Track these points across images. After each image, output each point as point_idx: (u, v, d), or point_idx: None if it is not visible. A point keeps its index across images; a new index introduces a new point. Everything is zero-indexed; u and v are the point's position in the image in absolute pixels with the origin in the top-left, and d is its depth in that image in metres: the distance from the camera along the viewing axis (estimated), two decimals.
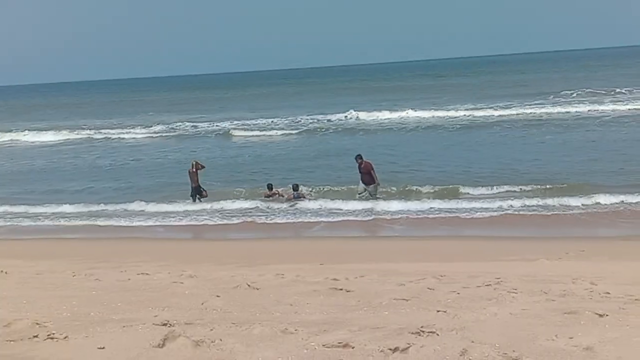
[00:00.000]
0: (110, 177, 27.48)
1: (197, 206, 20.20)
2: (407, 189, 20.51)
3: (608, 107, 40.05)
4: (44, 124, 54.41)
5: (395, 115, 43.71)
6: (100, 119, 58.78)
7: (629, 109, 38.58)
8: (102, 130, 46.50)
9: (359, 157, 20.13)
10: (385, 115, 43.95)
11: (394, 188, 20.47)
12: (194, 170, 20.58)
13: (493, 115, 40.68)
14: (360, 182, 19.90)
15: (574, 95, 49.83)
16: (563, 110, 40.73)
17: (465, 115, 41.81)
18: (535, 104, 45.42)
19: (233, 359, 5.10)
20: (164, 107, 72.63)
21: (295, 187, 20.23)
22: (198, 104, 75.92)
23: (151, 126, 47.45)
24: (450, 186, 20.25)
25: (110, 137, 43.44)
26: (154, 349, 5.37)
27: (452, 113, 42.56)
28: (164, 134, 43.59)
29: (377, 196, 19.60)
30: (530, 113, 40.32)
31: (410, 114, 43.41)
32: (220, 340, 5.56)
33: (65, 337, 5.76)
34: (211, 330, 5.94)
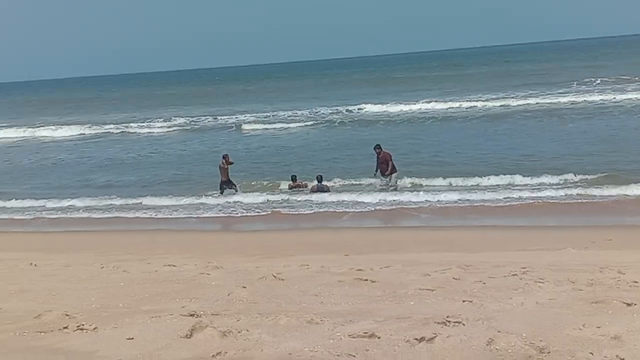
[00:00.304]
0: (134, 170, 27.74)
1: (223, 199, 20.29)
2: (428, 178, 20.46)
3: (632, 96, 39.46)
4: (66, 119, 55.13)
5: (414, 107, 43.39)
6: (127, 112, 59.42)
7: None
8: (125, 124, 47.04)
9: (377, 147, 20.14)
10: (401, 107, 43.58)
11: (416, 178, 20.41)
12: (225, 165, 20.58)
13: (511, 105, 40.35)
14: (378, 172, 19.93)
15: (598, 82, 49.24)
16: (588, 98, 40.26)
17: (484, 105, 41.51)
18: (558, 93, 45.00)
19: (260, 349, 5.14)
20: (187, 100, 73.04)
21: (319, 179, 20.26)
22: (223, 96, 76.16)
23: (171, 119, 47.84)
24: (475, 177, 20.12)
25: (132, 131, 43.86)
26: (182, 339, 5.44)
27: (468, 103, 42.21)
28: (185, 127, 43.86)
29: (394, 186, 19.60)
30: (551, 103, 39.81)
31: (428, 105, 43.05)
32: (247, 330, 5.61)
33: (94, 328, 5.85)
34: (238, 320, 5.99)
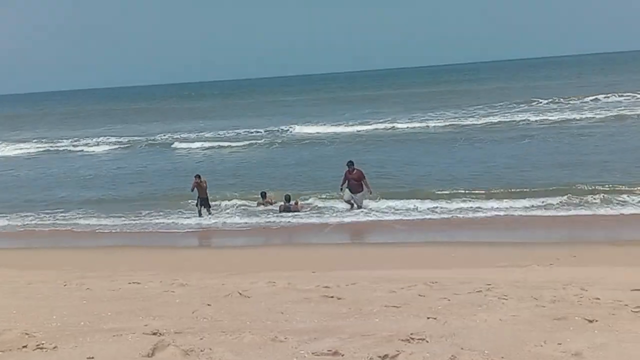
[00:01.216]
0: (100, 187, 27.44)
1: (194, 215, 20.16)
2: (396, 192, 20.72)
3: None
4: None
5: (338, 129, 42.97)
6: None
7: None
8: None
9: (351, 163, 19.76)
10: (334, 129, 42.97)
11: (385, 197, 20.50)
12: (202, 182, 20.13)
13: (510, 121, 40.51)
14: (347, 190, 19.46)
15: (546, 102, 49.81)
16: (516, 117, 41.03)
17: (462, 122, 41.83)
18: (521, 109, 45.83)
19: None
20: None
21: (287, 198, 20.04)
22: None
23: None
24: (442, 193, 20.31)
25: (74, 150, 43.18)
26: (143, 358, 5.37)
27: (440, 122, 42.34)
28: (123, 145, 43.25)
29: (360, 204, 19.28)
30: (521, 120, 40.24)
31: (395, 125, 42.65)
32: (210, 349, 5.56)
33: (54, 347, 5.74)
34: (201, 339, 5.93)
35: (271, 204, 20.69)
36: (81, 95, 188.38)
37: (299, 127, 44.62)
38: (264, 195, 21.04)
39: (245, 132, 44.91)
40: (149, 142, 43.35)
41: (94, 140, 46.50)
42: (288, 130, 44.22)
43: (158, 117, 67.97)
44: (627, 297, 7.33)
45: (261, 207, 20.65)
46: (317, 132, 42.04)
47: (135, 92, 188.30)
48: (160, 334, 6.10)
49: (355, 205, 19.37)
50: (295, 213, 19.49)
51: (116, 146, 42.70)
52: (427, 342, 5.57)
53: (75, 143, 45.90)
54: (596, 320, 6.19)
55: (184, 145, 40.61)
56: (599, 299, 7.28)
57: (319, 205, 20.40)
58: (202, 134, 45.78)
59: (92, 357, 5.42)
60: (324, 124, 45.15)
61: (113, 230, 19.01)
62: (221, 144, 39.82)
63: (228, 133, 45.02)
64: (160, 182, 27.04)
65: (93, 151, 41.80)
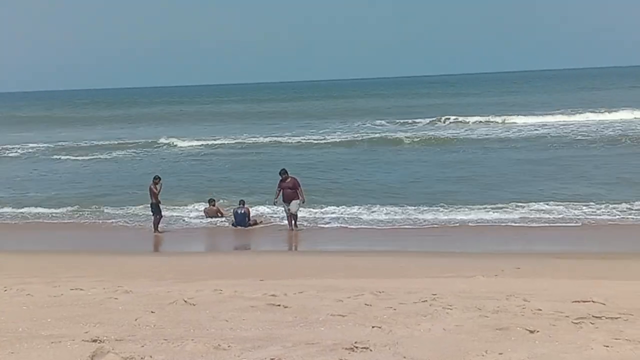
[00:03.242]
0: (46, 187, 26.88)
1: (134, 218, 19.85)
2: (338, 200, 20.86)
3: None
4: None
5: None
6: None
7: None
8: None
9: (284, 172, 18.98)
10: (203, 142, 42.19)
11: (334, 205, 20.59)
12: (156, 188, 19.10)
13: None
14: (280, 198, 18.80)
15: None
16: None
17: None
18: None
19: None
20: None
21: (242, 203, 19.50)
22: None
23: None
24: (396, 200, 20.51)
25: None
26: None
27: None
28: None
29: (295, 213, 18.55)
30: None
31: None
32: (150, 357, 5.48)
33: None
34: (142, 346, 5.84)
35: (221, 214, 20.00)
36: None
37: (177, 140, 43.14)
38: (212, 202, 20.26)
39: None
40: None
41: None
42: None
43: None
44: (568, 308, 7.47)
45: (208, 221, 19.85)
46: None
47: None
48: (100, 341, 5.99)
49: (289, 213, 18.60)
50: (253, 227, 19.13)
51: None
52: (371, 350, 5.58)
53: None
54: (537, 331, 6.30)
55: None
56: (540, 310, 7.40)
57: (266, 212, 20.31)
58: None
59: None
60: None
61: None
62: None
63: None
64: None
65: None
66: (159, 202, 18.99)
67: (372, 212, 19.65)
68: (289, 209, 18.56)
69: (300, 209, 18.90)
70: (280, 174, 19.01)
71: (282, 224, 18.80)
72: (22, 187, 27.42)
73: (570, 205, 18.92)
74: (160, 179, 19.50)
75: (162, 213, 19.11)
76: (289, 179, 18.80)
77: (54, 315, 7.38)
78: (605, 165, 26.28)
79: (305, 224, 18.84)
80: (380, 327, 6.54)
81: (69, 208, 21.95)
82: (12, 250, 16.82)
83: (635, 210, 18.21)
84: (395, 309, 7.56)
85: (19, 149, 42.24)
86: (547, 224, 17.46)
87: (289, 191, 18.60)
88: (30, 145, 43.85)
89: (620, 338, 6.00)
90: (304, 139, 41.20)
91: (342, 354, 5.46)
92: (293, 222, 18.49)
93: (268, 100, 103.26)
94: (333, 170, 28.48)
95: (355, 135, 42.14)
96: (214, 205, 20.19)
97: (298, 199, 18.56)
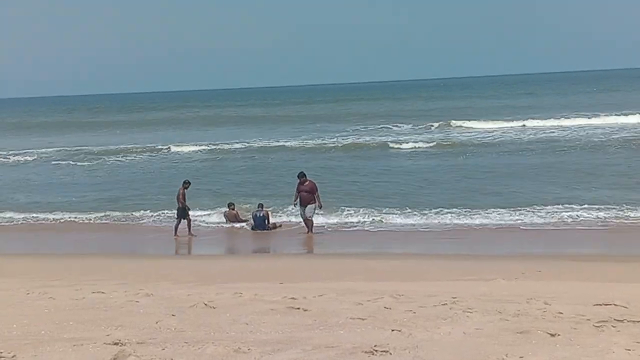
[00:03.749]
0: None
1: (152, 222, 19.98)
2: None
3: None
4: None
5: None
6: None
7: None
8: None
9: (302, 174, 18.83)
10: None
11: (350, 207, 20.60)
12: (183, 191, 19.03)
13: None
14: (298, 201, 18.64)
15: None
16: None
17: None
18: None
19: None
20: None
21: (261, 207, 19.49)
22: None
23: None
24: (414, 205, 20.49)
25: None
26: None
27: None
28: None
29: (311, 218, 18.37)
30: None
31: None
32: (171, 359, 5.51)
33: (13, 357, 5.67)
34: (163, 349, 5.88)
35: (240, 220, 19.90)
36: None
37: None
38: (232, 206, 20.14)
39: None
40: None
41: None
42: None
43: None
44: (589, 311, 7.41)
45: (229, 225, 19.85)
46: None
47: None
48: (121, 344, 6.04)
49: (305, 217, 18.47)
50: (273, 230, 19.13)
51: None
52: (390, 354, 5.58)
53: None
54: (558, 335, 6.26)
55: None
56: (561, 313, 7.35)
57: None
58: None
59: None
60: None
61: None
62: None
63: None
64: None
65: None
66: (186, 207, 18.93)
67: (391, 215, 19.60)
68: (304, 213, 18.49)
69: (318, 212, 18.77)
70: (298, 176, 18.93)
71: (301, 226, 18.80)
72: (39, 192, 27.69)
73: (591, 208, 18.76)
74: (189, 183, 19.47)
75: (189, 216, 19.04)
76: (306, 182, 18.64)
77: (76, 319, 7.45)
78: (626, 169, 26.02)
79: (325, 227, 18.83)
80: (400, 331, 6.53)
81: (94, 213, 22.09)
82: (34, 253, 17.03)
83: None
84: (415, 312, 7.55)
85: (30, 154, 42.36)
86: (568, 227, 17.32)
87: (306, 194, 18.43)
88: (44, 150, 43.99)
89: None
90: (317, 143, 41.31)
91: (361, 358, 5.47)
92: (310, 226, 18.45)
93: (281, 104, 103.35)
94: (351, 174, 28.46)
95: (368, 140, 42.05)
96: (233, 209, 20.14)
97: (314, 203, 18.37)
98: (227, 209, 20.29)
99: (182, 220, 18.90)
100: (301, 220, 18.71)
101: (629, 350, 5.62)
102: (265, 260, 16.09)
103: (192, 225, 18.95)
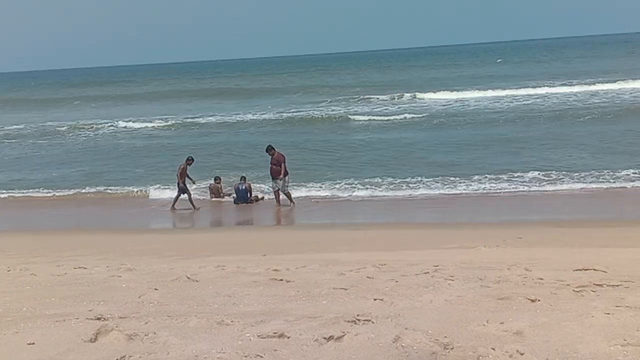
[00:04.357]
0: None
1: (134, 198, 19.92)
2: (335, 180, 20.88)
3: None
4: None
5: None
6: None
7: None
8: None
9: (270, 148, 18.83)
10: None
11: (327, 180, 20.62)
12: (184, 166, 18.90)
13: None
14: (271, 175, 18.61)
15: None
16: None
17: None
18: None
19: (166, 352, 5.05)
20: None
21: (243, 180, 19.42)
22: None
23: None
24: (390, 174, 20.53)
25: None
26: (86, 343, 5.28)
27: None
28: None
29: (285, 190, 18.42)
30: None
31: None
32: (154, 333, 5.50)
33: None
34: (146, 323, 5.86)
35: (222, 195, 19.70)
36: None
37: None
38: (217, 179, 19.92)
39: None
40: None
41: None
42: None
43: None
44: (569, 277, 7.49)
45: (214, 200, 19.70)
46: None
47: None
48: (104, 318, 6.01)
49: (280, 190, 18.48)
50: (255, 203, 19.09)
51: None
52: (373, 323, 5.60)
53: None
54: (539, 300, 6.31)
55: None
56: (542, 279, 7.42)
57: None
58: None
59: (33, 343, 5.31)
60: None
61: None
62: None
63: None
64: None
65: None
66: (180, 183, 18.77)
67: (371, 185, 19.67)
68: (276, 186, 18.43)
69: (291, 184, 18.71)
70: (266, 151, 18.86)
71: (284, 199, 18.80)
72: (14, 169, 27.42)
73: (571, 174, 18.93)
74: (192, 160, 19.29)
75: (189, 191, 18.89)
76: (275, 155, 18.55)
77: (58, 294, 7.41)
78: (608, 136, 26.21)
79: (306, 198, 18.88)
80: (382, 300, 6.56)
81: (74, 189, 21.94)
82: (15, 230, 16.91)
83: (636, 178, 18.23)
84: (397, 281, 7.59)
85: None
86: (548, 193, 17.50)
87: (274, 167, 18.39)
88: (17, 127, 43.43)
89: (621, 305, 6.01)
90: (288, 116, 41.02)
91: (344, 327, 5.49)
92: (287, 199, 18.36)
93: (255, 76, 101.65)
94: (330, 146, 28.43)
95: (339, 111, 41.83)
96: (219, 183, 19.96)
97: (285, 175, 18.28)
98: (213, 182, 20.06)
99: (183, 195, 18.81)
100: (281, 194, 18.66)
101: (608, 314, 5.68)
102: (248, 233, 16.10)
103: (191, 198, 18.85)
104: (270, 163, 18.52)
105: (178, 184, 18.87)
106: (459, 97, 45.66)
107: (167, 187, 20.72)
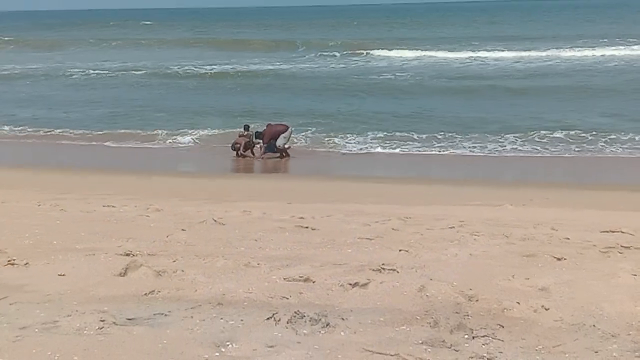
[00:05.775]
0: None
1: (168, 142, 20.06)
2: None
3: None
4: None
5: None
6: None
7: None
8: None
9: (248, 127, 18.73)
10: None
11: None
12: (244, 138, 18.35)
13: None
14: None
15: None
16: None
17: None
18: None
19: (194, 289, 5.14)
20: None
21: (258, 135, 18.37)
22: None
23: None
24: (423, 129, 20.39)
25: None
26: (115, 277, 5.40)
27: None
28: None
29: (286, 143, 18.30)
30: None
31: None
32: (182, 271, 5.60)
33: (25, 264, 5.76)
34: (174, 261, 5.97)
35: (248, 153, 18.58)
36: None
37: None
38: (247, 128, 18.77)
39: None
40: None
41: None
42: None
43: None
44: (596, 238, 7.45)
45: (245, 155, 18.45)
46: None
47: None
48: (133, 255, 6.13)
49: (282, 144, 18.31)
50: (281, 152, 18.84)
51: None
52: (398, 272, 5.64)
53: None
54: (564, 259, 6.30)
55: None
56: (568, 238, 7.39)
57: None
58: None
59: (64, 274, 5.44)
60: None
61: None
62: None
63: None
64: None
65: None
66: (241, 154, 18.35)
67: (399, 140, 19.54)
68: (278, 144, 18.26)
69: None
70: (256, 137, 18.49)
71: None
72: (38, 107, 27.60)
73: (600, 135, 18.64)
74: (248, 129, 18.53)
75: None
76: (265, 131, 18.33)
77: (87, 230, 7.54)
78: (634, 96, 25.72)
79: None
80: (407, 251, 6.59)
81: (99, 131, 22.10)
82: (45, 166, 17.13)
83: None
84: (422, 234, 7.61)
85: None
86: (576, 155, 17.31)
87: (276, 132, 18.23)
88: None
89: None
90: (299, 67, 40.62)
91: (369, 275, 5.54)
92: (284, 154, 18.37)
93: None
94: (351, 98, 28.18)
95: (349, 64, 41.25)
96: (246, 135, 18.63)
97: (284, 132, 18.17)
98: (243, 131, 18.75)
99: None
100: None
101: (635, 275, 5.66)
102: (272, 181, 16.13)
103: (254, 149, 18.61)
104: (269, 137, 18.25)
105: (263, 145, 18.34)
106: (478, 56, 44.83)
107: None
